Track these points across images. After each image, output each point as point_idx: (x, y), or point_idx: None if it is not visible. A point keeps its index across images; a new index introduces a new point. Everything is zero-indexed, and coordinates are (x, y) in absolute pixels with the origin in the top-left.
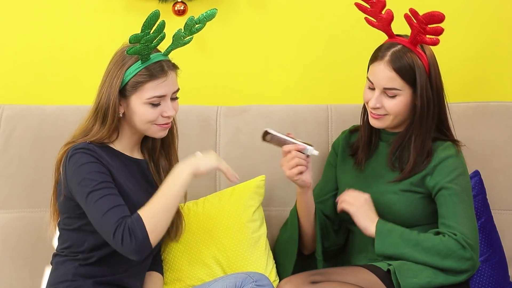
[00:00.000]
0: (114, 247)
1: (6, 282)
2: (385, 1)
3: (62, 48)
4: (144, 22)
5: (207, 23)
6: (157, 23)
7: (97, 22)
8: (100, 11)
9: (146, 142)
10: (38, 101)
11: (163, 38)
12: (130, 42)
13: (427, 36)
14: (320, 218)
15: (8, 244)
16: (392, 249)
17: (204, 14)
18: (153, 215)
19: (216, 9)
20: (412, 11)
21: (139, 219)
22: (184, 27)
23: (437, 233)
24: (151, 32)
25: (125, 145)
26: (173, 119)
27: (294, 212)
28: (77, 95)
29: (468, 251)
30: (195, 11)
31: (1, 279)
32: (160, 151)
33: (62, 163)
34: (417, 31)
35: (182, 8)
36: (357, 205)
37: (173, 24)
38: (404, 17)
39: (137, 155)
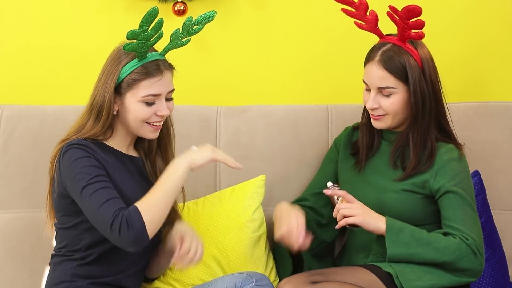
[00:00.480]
0: (111, 239)
1: (6, 282)
2: (366, 3)
3: (62, 48)
4: (143, 18)
5: (207, 24)
6: (155, 20)
7: (97, 22)
8: (100, 11)
9: (142, 141)
10: (38, 101)
11: (160, 36)
12: (127, 38)
13: (412, 31)
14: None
15: (8, 244)
16: (404, 249)
17: (203, 15)
18: (150, 207)
19: (215, 11)
20: (392, 8)
21: (136, 210)
22: (182, 27)
23: (445, 234)
24: (149, 29)
25: (119, 143)
26: (170, 120)
27: None
28: (77, 95)
29: (478, 258)
30: (195, 11)
31: (1, 279)
32: (157, 151)
33: (56, 160)
34: (402, 28)
35: (182, 8)
36: (359, 212)
37: (173, 24)
38: (387, 15)
39: (132, 153)
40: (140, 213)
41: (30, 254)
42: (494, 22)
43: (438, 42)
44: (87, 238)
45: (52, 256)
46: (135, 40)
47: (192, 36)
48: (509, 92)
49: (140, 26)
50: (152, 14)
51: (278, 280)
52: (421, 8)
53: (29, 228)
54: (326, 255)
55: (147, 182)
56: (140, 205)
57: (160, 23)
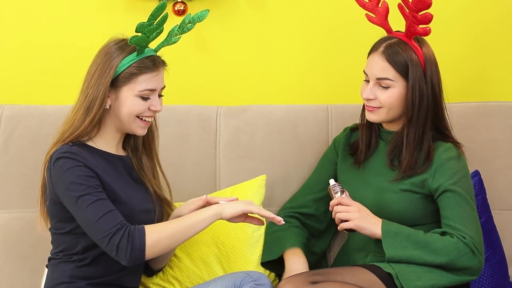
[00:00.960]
0: (107, 250)
1: (6, 282)
2: None
3: (62, 48)
4: (152, 12)
5: (208, 23)
6: (161, 15)
7: (97, 22)
8: (100, 11)
9: (128, 140)
10: (38, 101)
11: (161, 32)
12: (136, 30)
13: (419, 26)
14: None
15: (7, 244)
16: (401, 252)
17: (198, 14)
18: (157, 233)
19: (208, 10)
20: (403, 0)
21: (142, 230)
22: (180, 24)
23: (443, 233)
24: (155, 23)
25: (108, 142)
26: (154, 119)
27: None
28: (77, 95)
29: (477, 256)
30: (195, 11)
31: (1, 279)
32: (142, 149)
33: (46, 167)
34: (410, 22)
35: (182, 8)
36: (355, 216)
37: (173, 24)
38: (398, 8)
39: (120, 152)
40: (144, 233)
41: (30, 254)
42: (494, 22)
43: (438, 42)
44: (83, 242)
45: (49, 259)
46: (140, 34)
47: (183, 34)
48: (509, 92)
49: (148, 19)
50: (160, 8)
51: (278, 280)
52: (431, 0)
53: (29, 228)
54: (320, 264)
55: (136, 181)
56: (149, 227)
57: (165, 18)
